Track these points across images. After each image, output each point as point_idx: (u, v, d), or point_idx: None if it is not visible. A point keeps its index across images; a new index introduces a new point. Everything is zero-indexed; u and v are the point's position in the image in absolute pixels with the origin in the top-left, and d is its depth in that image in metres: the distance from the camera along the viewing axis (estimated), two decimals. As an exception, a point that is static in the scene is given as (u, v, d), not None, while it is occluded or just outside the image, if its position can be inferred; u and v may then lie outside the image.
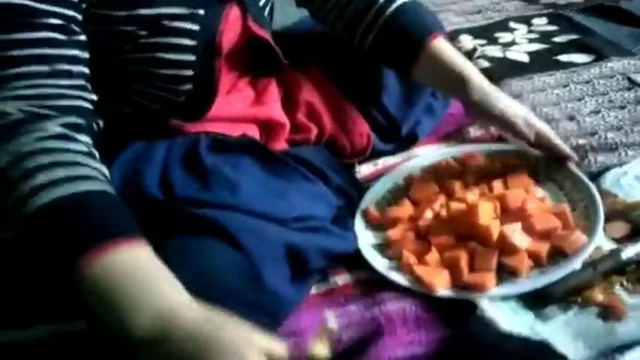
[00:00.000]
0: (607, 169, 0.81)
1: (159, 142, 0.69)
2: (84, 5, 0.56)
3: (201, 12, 0.64)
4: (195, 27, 0.64)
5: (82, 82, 0.55)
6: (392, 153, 0.94)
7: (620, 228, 0.70)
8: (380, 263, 0.69)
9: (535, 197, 0.73)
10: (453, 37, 1.23)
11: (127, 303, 0.44)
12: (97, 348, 0.52)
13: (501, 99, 0.75)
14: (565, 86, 1.07)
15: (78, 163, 0.49)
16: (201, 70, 0.67)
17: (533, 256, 0.65)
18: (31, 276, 0.65)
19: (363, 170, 0.92)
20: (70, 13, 0.55)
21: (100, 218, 0.47)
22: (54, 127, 0.49)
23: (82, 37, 0.56)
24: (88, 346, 0.57)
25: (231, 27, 0.69)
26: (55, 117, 0.50)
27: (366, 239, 0.73)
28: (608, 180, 0.78)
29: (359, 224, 0.75)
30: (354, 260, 0.71)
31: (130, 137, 0.70)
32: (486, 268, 0.64)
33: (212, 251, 0.56)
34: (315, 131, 0.86)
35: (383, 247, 0.73)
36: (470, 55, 1.09)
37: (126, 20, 0.60)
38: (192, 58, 0.65)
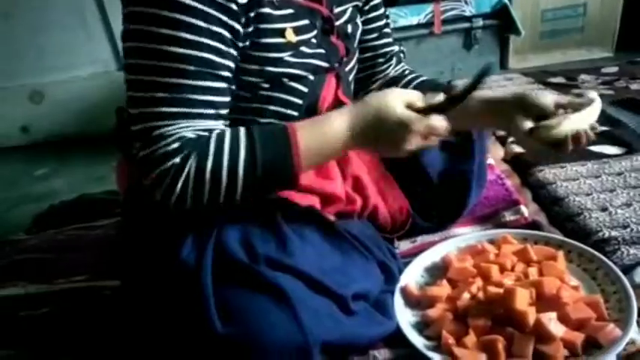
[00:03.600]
0: (639, 262, 0.84)
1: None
2: (238, 57, 0.70)
3: (312, 77, 0.77)
4: (305, 89, 0.76)
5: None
6: (430, 231, 0.99)
7: (654, 323, 0.72)
8: (419, 342, 0.72)
9: (569, 286, 0.76)
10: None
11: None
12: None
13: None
14: (597, 177, 1.11)
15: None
16: None
17: (568, 345, 0.68)
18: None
19: (402, 246, 0.97)
20: (233, 64, 0.68)
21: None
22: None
23: (233, 85, 0.70)
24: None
25: (327, 93, 0.80)
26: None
27: (405, 317, 0.77)
28: (641, 274, 0.81)
29: (398, 301, 0.79)
30: (394, 336, 0.74)
31: None
32: (523, 354, 0.66)
33: (270, 314, 0.63)
34: (359, 203, 0.92)
35: (421, 326, 0.76)
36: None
37: (256, 73, 0.72)
38: (296, 114, 0.77)
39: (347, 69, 0.86)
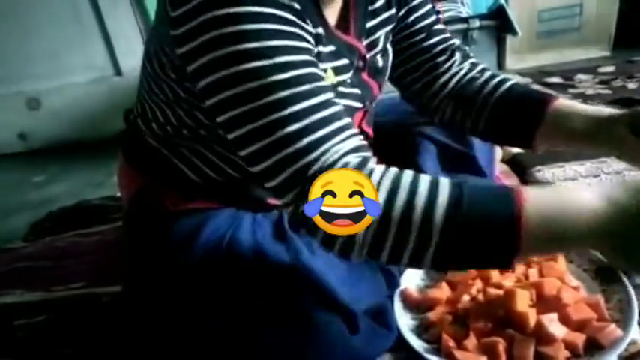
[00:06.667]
0: (639, 262, 0.83)
1: (244, 213, 0.75)
2: None
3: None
4: None
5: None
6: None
7: (655, 323, 0.72)
8: (419, 345, 0.72)
9: (570, 286, 0.75)
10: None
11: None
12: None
13: None
14: (596, 176, 1.11)
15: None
16: None
17: (570, 346, 0.67)
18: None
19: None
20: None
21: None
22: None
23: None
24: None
25: (356, 126, 0.77)
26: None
27: (405, 320, 0.76)
28: (642, 274, 0.80)
29: (398, 305, 0.79)
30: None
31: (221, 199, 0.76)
32: (524, 356, 0.66)
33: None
34: None
35: (421, 329, 0.76)
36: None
37: None
38: None
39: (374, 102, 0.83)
